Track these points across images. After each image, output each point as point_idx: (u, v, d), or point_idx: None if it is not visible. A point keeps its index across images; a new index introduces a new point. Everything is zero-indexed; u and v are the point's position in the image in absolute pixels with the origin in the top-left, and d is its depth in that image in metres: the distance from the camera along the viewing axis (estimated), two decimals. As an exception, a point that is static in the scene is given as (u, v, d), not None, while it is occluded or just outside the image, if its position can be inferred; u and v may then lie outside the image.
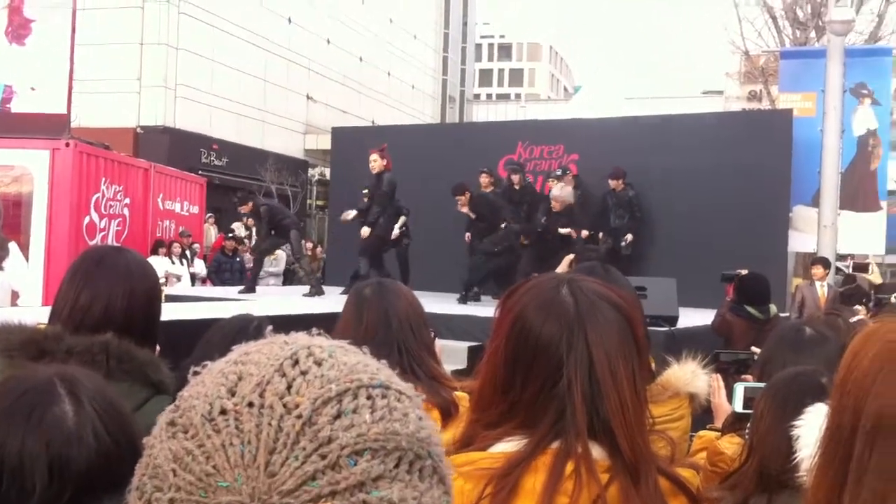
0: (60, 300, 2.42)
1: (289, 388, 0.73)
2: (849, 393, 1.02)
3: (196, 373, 0.79)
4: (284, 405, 0.72)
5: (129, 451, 1.45)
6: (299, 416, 0.71)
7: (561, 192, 12.68)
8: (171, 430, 0.75)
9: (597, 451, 1.53)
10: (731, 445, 2.79)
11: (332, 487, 0.69)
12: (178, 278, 14.65)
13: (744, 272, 8.32)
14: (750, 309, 7.71)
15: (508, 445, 1.57)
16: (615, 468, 1.51)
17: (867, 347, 1.08)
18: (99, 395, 1.58)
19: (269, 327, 0.82)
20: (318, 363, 0.76)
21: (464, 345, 8.70)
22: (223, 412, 0.73)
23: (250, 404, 0.72)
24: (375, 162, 11.90)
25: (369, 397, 0.75)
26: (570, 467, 1.50)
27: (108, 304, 2.37)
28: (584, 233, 13.27)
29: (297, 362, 0.76)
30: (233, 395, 0.74)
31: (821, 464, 1.05)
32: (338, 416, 0.72)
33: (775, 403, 2.50)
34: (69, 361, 2.12)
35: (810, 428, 1.90)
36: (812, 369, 2.58)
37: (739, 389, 2.92)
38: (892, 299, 6.41)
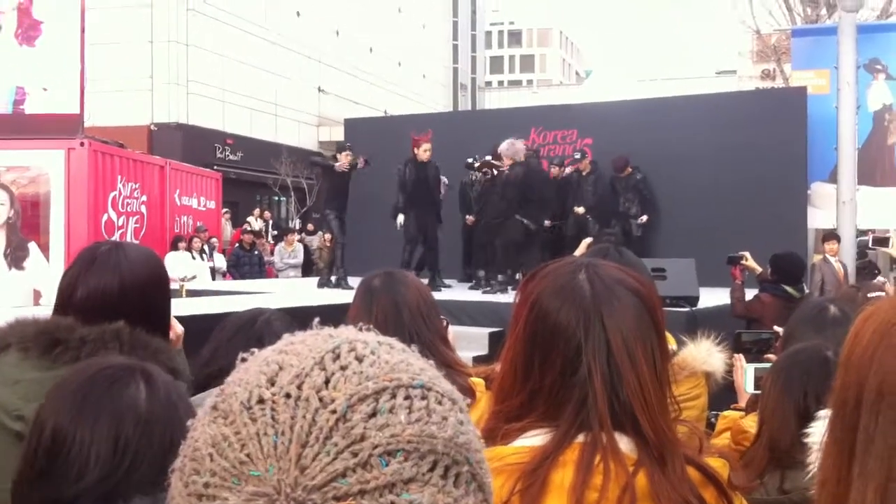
0: (59, 295, 2.46)
1: (327, 382, 0.73)
2: (852, 369, 1.02)
3: (244, 359, 0.79)
4: (320, 399, 0.72)
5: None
6: (334, 412, 0.71)
7: (508, 147, 12.43)
8: (213, 414, 0.75)
9: (624, 444, 1.52)
10: (753, 424, 2.79)
11: (361, 486, 0.68)
12: (190, 278, 14.51)
13: (746, 253, 8.29)
14: (788, 288, 7.66)
15: (534, 440, 1.56)
16: (641, 457, 1.51)
17: (868, 325, 1.08)
18: (168, 385, 1.65)
19: (316, 319, 0.82)
20: (360, 359, 0.75)
21: (485, 331, 8.72)
22: (261, 401, 0.73)
23: (287, 395, 0.72)
24: (427, 152, 11.92)
25: (407, 397, 0.74)
26: (597, 460, 1.50)
27: (102, 299, 2.39)
28: (580, 210, 13.31)
29: (338, 357, 0.75)
30: (272, 384, 0.73)
31: (829, 441, 1.05)
32: (373, 415, 0.71)
33: (780, 380, 2.51)
34: (83, 350, 2.15)
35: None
36: (817, 343, 2.57)
37: (750, 371, 2.92)
38: None
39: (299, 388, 0.73)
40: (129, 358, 1.84)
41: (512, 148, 12.17)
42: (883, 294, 7.00)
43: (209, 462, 0.72)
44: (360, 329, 0.82)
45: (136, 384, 1.58)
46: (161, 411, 1.57)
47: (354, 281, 12.41)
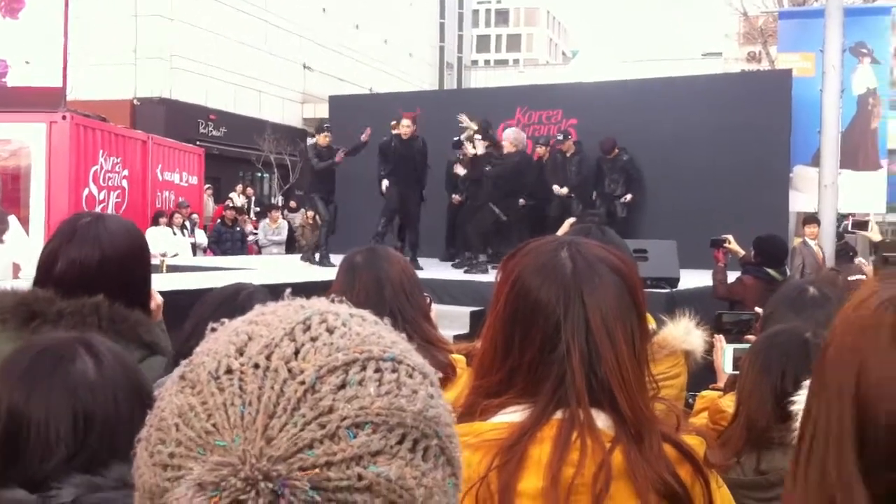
0: (39, 268, 2.44)
1: (296, 353, 0.72)
2: (834, 368, 1.01)
3: (213, 329, 0.78)
4: (289, 370, 0.71)
5: (140, 408, 1.47)
6: (302, 383, 0.70)
7: (515, 134, 12.56)
8: (180, 383, 0.74)
9: (601, 421, 1.53)
10: (731, 404, 2.81)
11: (327, 458, 0.68)
12: (172, 255, 14.44)
13: (729, 237, 8.34)
14: (770, 271, 7.73)
15: (513, 416, 1.56)
16: (618, 434, 1.51)
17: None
18: (116, 353, 1.62)
19: (288, 290, 0.81)
20: (330, 331, 0.75)
21: (466, 309, 8.73)
22: (229, 371, 0.72)
23: (256, 365, 0.71)
24: (408, 128, 11.89)
25: (378, 370, 0.73)
26: (574, 436, 1.50)
27: (82, 271, 2.38)
28: (564, 190, 13.31)
29: (308, 328, 0.75)
30: (241, 354, 0.73)
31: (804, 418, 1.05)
32: (342, 387, 0.71)
33: (758, 360, 2.52)
34: (60, 323, 2.14)
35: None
36: (795, 326, 2.58)
37: (728, 351, 2.94)
38: None
39: (268, 358, 0.72)
40: (80, 332, 1.83)
41: (519, 136, 12.28)
42: (863, 277, 7.04)
43: (175, 432, 0.71)
44: (333, 301, 0.81)
45: (81, 358, 1.56)
46: (113, 379, 1.55)
47: (337, 259, 12.46)
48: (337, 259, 12.31)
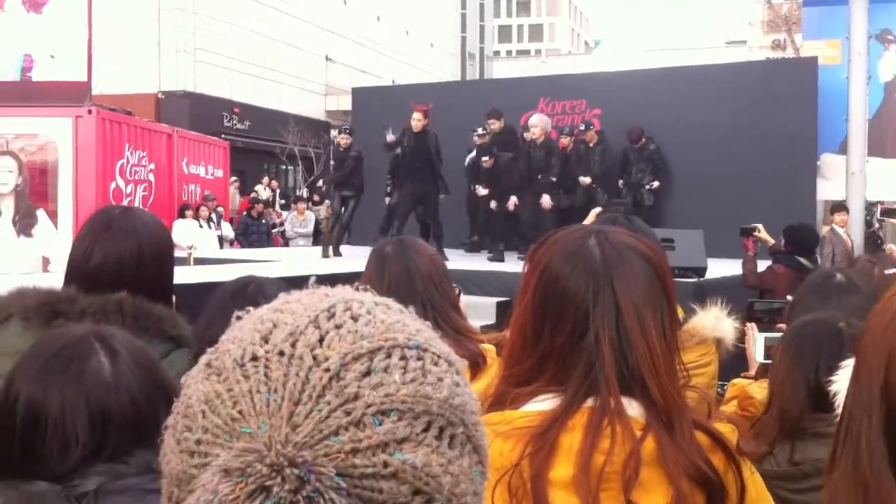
0: (73, 262, 2.45)
1: (321, 340, 0.73)
2: (867, 355, 1.01)
3: (239, 317, 0.79)
4: (314, 357, 0.71)
5: (163, 401, 1.48)
6: (327, 370, 0.70)
7: (539, 120, 12.59)
8: (206, 371, 0.75)
9: (633, 408, 1.53)
10: (760, 390, 2.79)
11: (353, 445, 0.68)
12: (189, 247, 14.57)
13: (759, 225, 8.31)
14: (801, 259, 7.71)
15: (543, 405, 1.57)
16: (650, 422, 1.51)
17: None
18: (132, 347, 1.62)
19: (312, 278, 0.81)
20: (355, 318, 0.75)
21: (492, 300, 8.72)
22: (254, 358, 0.72)
23: (281, 353, 0.72)
24: (419, 121, 11.77)
25: (403, 357, 0.73)
26: (605, 423, 1.50)
27: (119, 264, 2.39)
28: (587, 180, 13.32)
29: (333, 315, 0.75)
30: (266, 342, 0.73)
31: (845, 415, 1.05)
32: (367, 374, 0.71)
33: (791, 350, 2.50)
34: (84, 321, 2.15)
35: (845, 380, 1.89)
36: (829, 314, 2.56)
37: (760, 340, 2.92)
38: None
39: (293, 345, 0.72)
40: (88, 324, 1.82)
41: (543, 120, 12.29)
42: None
43: (201, 419, 0.72)
44: (357, 289, 0.81)
45: (97, 355, 1.55)
46: (128, 376, 1.54)
47: (351, 251, 12.62)
48: (351, 251, 12.52)
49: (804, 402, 2.41)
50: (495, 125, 13.04)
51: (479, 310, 8.04)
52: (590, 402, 1.54)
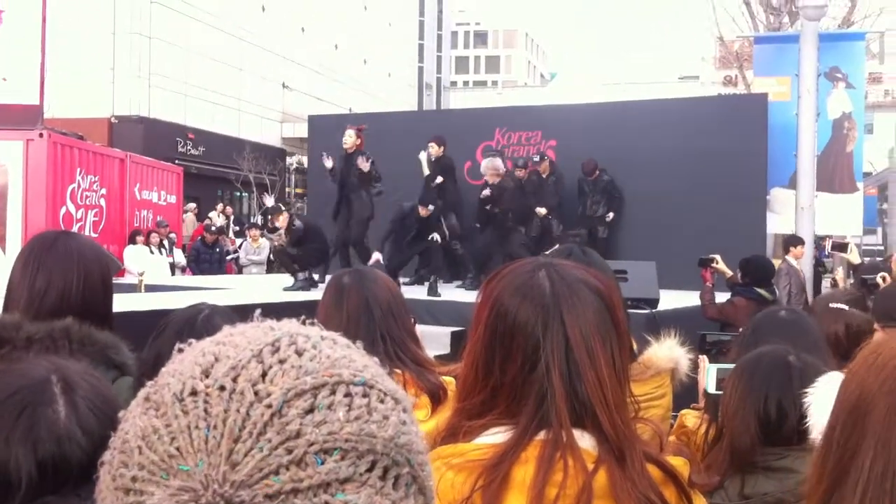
0: (15, 287, 2.40)
1: (263, 375, 0.70)
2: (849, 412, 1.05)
3: (181, 349, 0.76)
4: (256, 393, 0.69)
5: None
6: (269, 406, 0.68)
7: (487, 164, 12.58)
8: (145, 405, 0.72)
9: (585, 441, 1.53)
10: (696, 420, 2.83)
11: (294, 485, 0.66)
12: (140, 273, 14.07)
13: (717, 256, 8.43)
14: (760, 291, 7.83)
15: (495, 437, 1.56)
16: (602, 454, 1.51)
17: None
18: (94, 392, 1.55)
19: (258, 311, 0.78)
20: (300, 353, 0.72)
21: (447, 329, 8.71)
22: (194, 393, 0.70)
23: (222, 388, 0.69)
24: (350, 139, 11.42)
25: (348, 394, 0.71)
26: (557, 457, 1.50)
27: (64, 289, 2.36)
28: (543, 211, 13.33)
29: (277, 349, 0.72)
30: (206, 376, 0.71)
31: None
32: (310, 411, 0.69)
33: (742, 382, 2.52)
34: (30, 349, 2.11)
35: (821, 396, 1.92)
36: (779, 348, 2.58)
37: (712, 371, 2.95)
38: (878, 279, 6.46)
39: (234, 380, 0.70)
40: (52, 358, 1.77)
41: (491, 163, 12.38)
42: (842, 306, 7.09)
43: (138, 455, 0.69)
44: (304, 323, 0.79)
45: (53, 402, 1.47)
46: (88, 421, 1.47)
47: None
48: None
49: (755, 435, 2.43)
50: (435, 150, 12.86)
51: (433, 339, 8.02)
52: (542, 435, 1.54)
